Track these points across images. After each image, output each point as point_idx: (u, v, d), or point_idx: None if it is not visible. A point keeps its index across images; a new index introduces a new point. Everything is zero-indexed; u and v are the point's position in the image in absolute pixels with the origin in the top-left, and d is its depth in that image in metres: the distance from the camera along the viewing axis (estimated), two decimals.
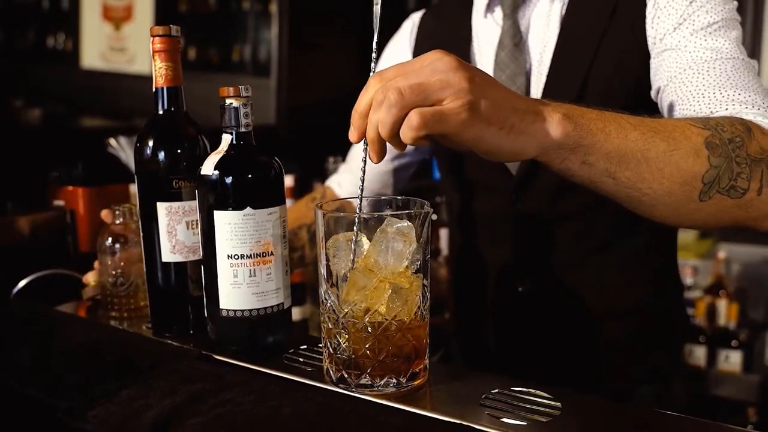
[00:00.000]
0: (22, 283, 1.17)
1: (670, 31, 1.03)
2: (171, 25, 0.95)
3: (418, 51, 1.28)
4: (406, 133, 0.68)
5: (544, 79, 1.11)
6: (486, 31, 1.19)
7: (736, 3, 1.04)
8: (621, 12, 1.07)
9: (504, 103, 0.71)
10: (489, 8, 1.19)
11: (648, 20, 1.05)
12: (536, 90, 1.12)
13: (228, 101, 0.88)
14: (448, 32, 1.25)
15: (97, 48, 4.86)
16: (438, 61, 0.70)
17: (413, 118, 0.67)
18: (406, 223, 0.77)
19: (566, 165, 0.76)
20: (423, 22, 1.30)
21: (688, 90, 0.98)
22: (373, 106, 0.70)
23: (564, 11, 1.12)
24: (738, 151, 0.81)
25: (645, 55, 1.06)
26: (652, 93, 1.06)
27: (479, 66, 1.19)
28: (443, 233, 2.01)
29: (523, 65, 1.13)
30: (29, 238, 1.29)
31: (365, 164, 0.78)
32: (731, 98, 0.94)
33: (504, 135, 0.71)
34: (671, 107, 1.00)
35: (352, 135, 0.73)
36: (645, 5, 1.05)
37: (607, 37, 1.07)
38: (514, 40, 1.13)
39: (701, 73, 0.98)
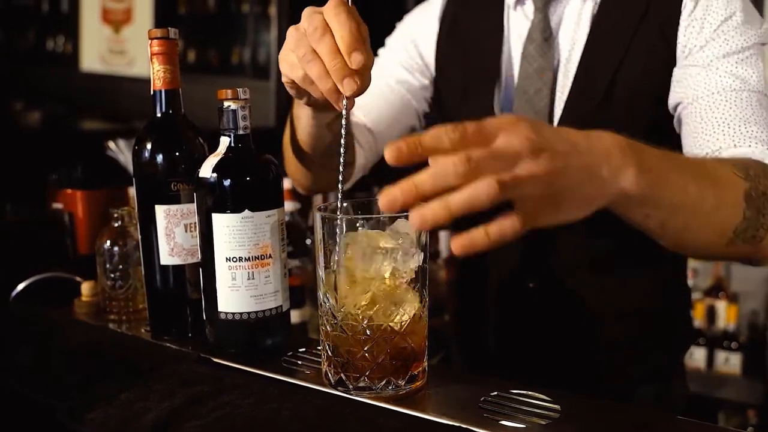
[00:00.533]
0: (21, 286, 1.17)
1: (702, 45, 1.04)
2: (169, 28, 0.95)
3: (442, 31, 1.26)
4: (481, 204, 0.60)
5: (571, 77, 1.11)
6: (515, 24, 1.19)
7: (767, 26, 1.06)
8: (653, 14, 1.07)
9: (580, 189, 0.66)
10: (519, 0, 1.18)
11: (681, 28, 1.06)
12: (562, 87, 1.12)
13: (226, 104, 0.88)
14: (479, 20, 1.23)
15: (97, 50, 4.86)
16: (520, 144, 0.62)
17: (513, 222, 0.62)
18: (401, 224, 0.77)
19: (628, 214, 0.74)
20: (449, 1, 1.28)
21: (714, 116, 1.00)
22: (456, 162, 0.60)
23: (596, 10, 1.12)
24: (766, 203, 0.84)
25: (671, 60, 1.07)
26: (670, 102, 1.07)
27: (505, 61, 1.18)
28: (443, 235, 2.01)
29: (551, 61, 1.13)
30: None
31: (342, 165, 0.78)
32: (755, 135, 0.97)
33: (585, 208, 0.68)
34: (692, 129, 1.02)
35: (393, 203, 0.61)
36: (680, 12, 1.06)
37: (637, 39, 1.08)
38: (544, 35, 1.13)
39: (728, 101, 1.00)
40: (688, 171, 0.78)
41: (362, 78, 0.77)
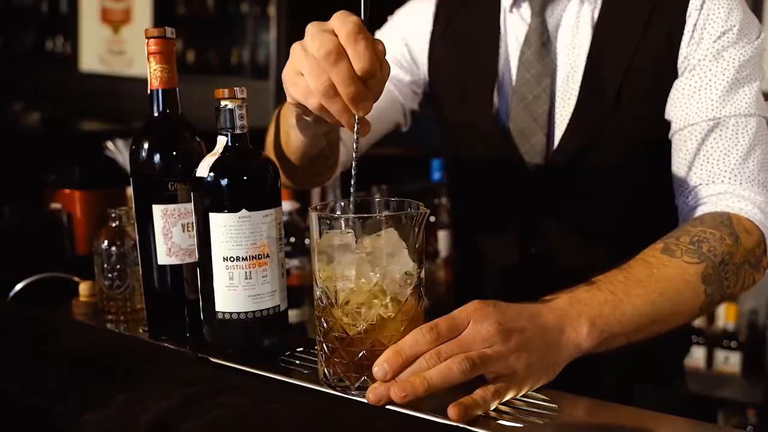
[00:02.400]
0: (18, 287, 1.17)
1: (700, 59, 1.05)
2: (166, 27, 0.94)
3: (436, 30, 1.24)
4: (456, 378, 0.72)
5: (576, 86, 1.10)
6: (512, 26, 1.17)
7: (763, 35, 1.07)
8: (657, 22, 1.07)
9: (544, 358, 0.78)
10: (516, 2, 1.16)
11: (685, 39, 1.06)
12: (563, 94, 1.11)
13: (223, 103, 0.87)
14: (475, 21, 1.21)
15: (96, 51, 4.87)
16: (486, 331, 0.74)
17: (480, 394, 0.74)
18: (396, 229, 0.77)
19: (594, 352, 0.84)
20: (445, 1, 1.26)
21: (698, 150, 1.04)
22: (427, 358, 0.72)
23: (596, 16, 1.10)
24: (726, 267, 0.93)
25: (674, 70, 1.07)
26: (665, 116, 1.08)
27: (502, 63, 1.17)
28: (442, 235, 2.00)
29: (550, 66, 1.11)
30: None
31: (355, 178, 0.78)
32: (732, 170, 1.02)
33: (546, 377, 0.79)
34: (678, 159, 1.07)
35: (381, 373, 0.73)
36: (684, 22, 1.05)
37: (643, 45, 1.07)
38: (542, 39, 1.12)
39: (714, 132, 1.03)
40: (637, 292, 0.86)
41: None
